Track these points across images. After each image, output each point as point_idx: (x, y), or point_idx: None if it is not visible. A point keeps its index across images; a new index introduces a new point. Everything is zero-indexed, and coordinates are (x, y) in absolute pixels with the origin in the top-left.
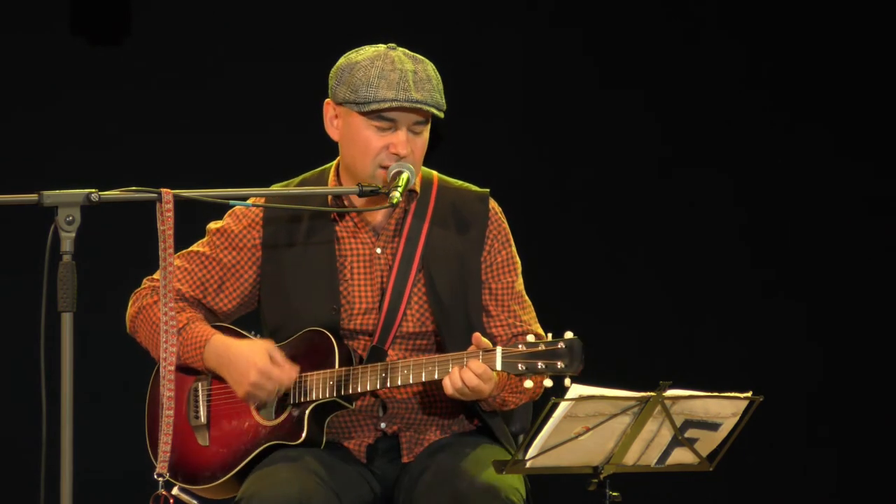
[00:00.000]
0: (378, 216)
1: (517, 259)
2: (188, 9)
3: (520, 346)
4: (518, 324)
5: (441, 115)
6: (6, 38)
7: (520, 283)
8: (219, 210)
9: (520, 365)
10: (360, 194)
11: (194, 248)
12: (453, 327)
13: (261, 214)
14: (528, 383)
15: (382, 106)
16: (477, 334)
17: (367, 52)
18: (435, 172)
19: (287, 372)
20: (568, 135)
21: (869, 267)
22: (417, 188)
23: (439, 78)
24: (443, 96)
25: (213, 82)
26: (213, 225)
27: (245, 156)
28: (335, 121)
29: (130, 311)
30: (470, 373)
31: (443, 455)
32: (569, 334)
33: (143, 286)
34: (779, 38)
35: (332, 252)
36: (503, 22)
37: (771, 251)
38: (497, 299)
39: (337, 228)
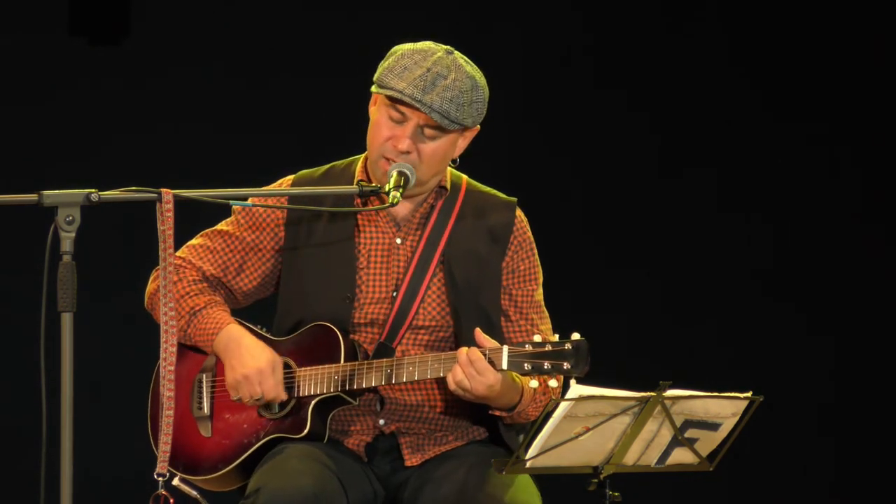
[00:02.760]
0: (402, 209)
1: (539, 269)
2: (187, 9)
3: (526, 345)
4: (535, 332)
5: (450, 127)
6: (6, 39)
7: (539, 294)
8: (219, 210)
9: (526, 364)
10: (360, 195)
11: (218, 226)
12: (470, 324)
13: (283, 201)
14: (534, 383)
15: (386, 93)
16: (477, 330)
17: (420, 45)
18: (464, 176)
19: (277, 389)
20: (566, 137)
21: (869, 267)
22: (448, 185)
23: (478, 96)
24: (465, 111)
25: (213, 82)
26: (239, 205)
27: (245, 155)
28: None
29: (150, 287)
30: (467, 364)
31: (456, 466)
32: (576, 335)
33: None
34: (779, 40)
35: (352, 240)
36: (503, 22)
37: (771, 251)
38: (517, 306)
39: (358, 217)
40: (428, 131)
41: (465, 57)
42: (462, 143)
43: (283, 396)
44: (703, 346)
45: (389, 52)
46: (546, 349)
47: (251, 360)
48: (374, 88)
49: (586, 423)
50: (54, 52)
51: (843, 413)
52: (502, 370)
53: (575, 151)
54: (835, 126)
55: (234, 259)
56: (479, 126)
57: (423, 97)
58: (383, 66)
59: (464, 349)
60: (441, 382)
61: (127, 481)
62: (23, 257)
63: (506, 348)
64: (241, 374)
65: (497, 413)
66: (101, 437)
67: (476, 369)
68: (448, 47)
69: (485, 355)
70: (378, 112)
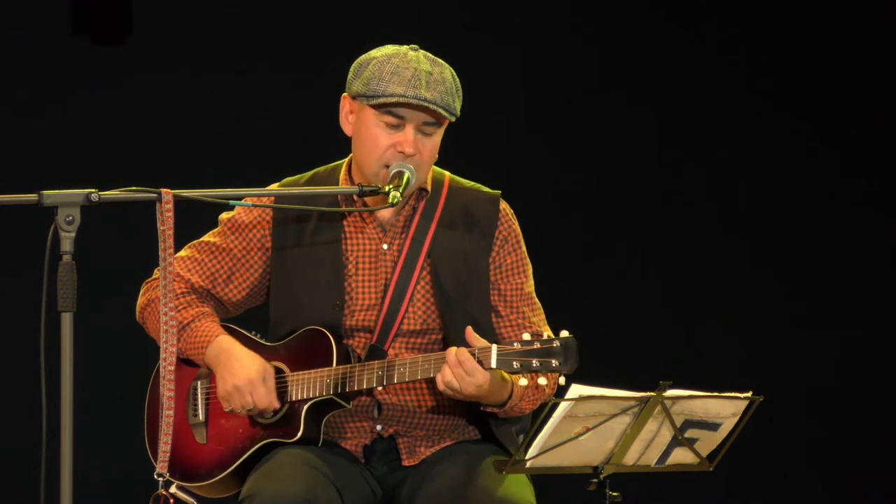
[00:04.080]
0: (386, 213)
1: (527, 261)
2: (189, 8)
3: (515, 343)
4: (527, 325)
5: (451, 118)
6: (7, 38)
7: (530, 285)
8: (219, 210)
9: (514, 363)
10: (360, 194)
11: (205, 238)
12: (458, 326)
13: (271, 201)
14: (523, 381)
15: (390, 100)
16: (469, 328)
17: (387, 49)
18: (447, 173)
19: (269, 399)
20: (566, 136)
21: (869, 266)
22: (428, 187)
23: (458, 84)
24: (456, 101)
25: (215, 82)
26: (224, 215)
27: (246, 155)
28: (350, 116)
29: (141, 300)
30: (455, 365)
31: (450, 464)
32: (564, 333)
33: (154, 276)
34: (779, 39)
35: (339, 247)
36: (503, 22)
37: (771, 251)
38: (506, 300)
39: (344, 223)
40: (427, 129)
41: (425, 51)
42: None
43: (275, 405)
44: (703, 346)
45: (358, 65)
46: (535, 347)
47: (241, 370)
48: (362, 101)
49: (586, 423)
50: (56, 52)
51: (843, 413)
52: (491, 369)
53: (574, 152)
54: (836, 125)
55: (222, 269)
56: None
57: (426, 94)
58: (363, 77)
59: (452, 349)
60: (431, 386)
61: (127, 481)
62: (23, 257)
63: (495, 347)
64: (231, 385)
65: (489, 410)
66: (102, 438)
67: (465, 370)
68: (412, 45)
69: (473, 355)
70: (369, 122)
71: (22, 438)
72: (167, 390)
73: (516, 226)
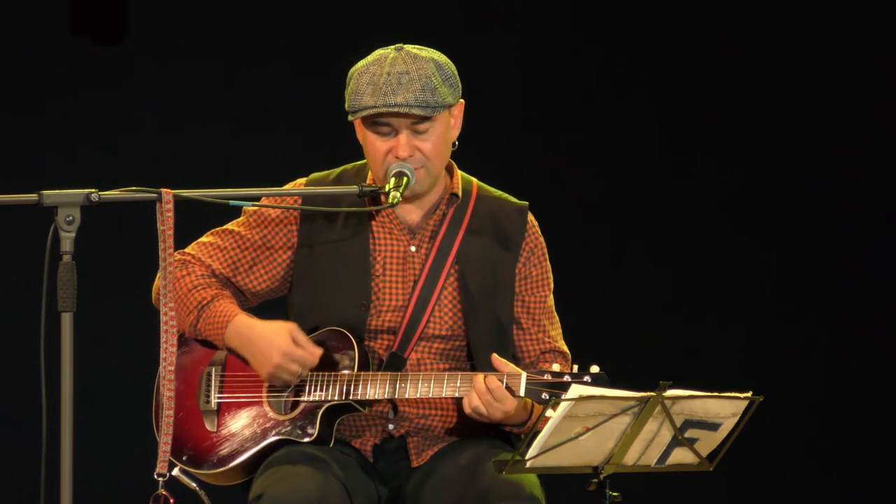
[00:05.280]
0: (415, 216)
1: (551, 275)
2: (188, 8)
3: (545, 374)
4: (547, 339)
5: (432, 114)
6: (6, 38)
7: (551, 299)
8: (219, 210)
9: (543, 394)
10: (360, 195)
11: (229, 226)
12: (482, 332)
13: (300, 201)
14: (550, 412)
15: (364, 114)
16: (494, 355)
17: (370, 57)
18: (475, 180)
19: (310, 353)
20: (567, 135)
21: (870, 267)
22: (459, 192)
23: (446, 72)
24: (440, 91)
25: (214, 82)
26: (249, 207)
27: (246, 155)
28: (358, 129)
29: (158, 283)
30: (485, 393)
31: (456, 454)
32: (595, 368)
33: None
34: (785, 36)
35: (366, 247)
36: (503, 23)
37: (772, 251)
38: (529, 312)
39: (373, 223)
40: (420, 127)
41: (416, 46)
42: (454, 121)
43: (318, 354)
44: (703, 346)
45: (347, 79)
46: (565, 380)
47: (271, 347)
48: (349, 118)
49: (586, 423)
50: (55, 52)
51: (844, 413)
52: (519, 397)
53: (574, 150)
54: (841, 124)
55: (244, 259)
56: (462, 100)
57: (395, 99)
58: (347, 94)
59: (480, 376)
60: (455, 399)
61: (127, 482)
62: (23, 257)
63: (524, 376)
64: (272, 365)
65: (507, 430)
66: (102, 437)
67: (494, 397)
68: (396, 45)
69: (501, 381)
70: (365, 134)
71: (22, 438)
72: (167, 390)
73: (542, 239)
